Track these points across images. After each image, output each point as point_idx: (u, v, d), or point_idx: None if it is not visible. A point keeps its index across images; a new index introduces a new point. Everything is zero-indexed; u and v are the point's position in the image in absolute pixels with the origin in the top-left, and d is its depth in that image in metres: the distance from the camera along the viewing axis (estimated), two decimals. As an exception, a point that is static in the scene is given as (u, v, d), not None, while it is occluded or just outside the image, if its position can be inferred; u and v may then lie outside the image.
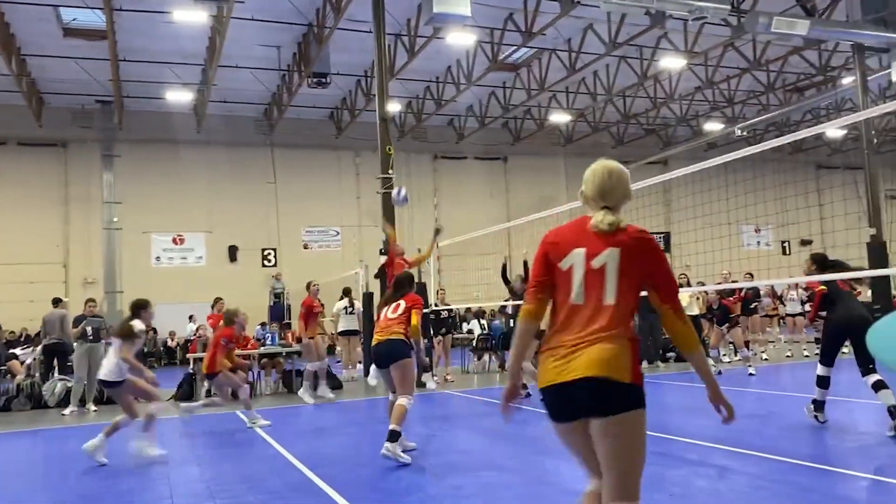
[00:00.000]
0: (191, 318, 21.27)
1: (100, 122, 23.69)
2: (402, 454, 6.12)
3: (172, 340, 22.91)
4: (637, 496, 2.58)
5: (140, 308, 7.27)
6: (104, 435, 6.75)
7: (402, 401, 6.33)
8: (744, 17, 15.88)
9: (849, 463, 5.55)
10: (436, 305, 14.05)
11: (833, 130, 26.98)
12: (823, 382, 7.12)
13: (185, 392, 12.23)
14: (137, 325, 7.07)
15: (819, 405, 7.15)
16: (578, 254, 2.69)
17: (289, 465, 6.34)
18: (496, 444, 7.08)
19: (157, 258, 24.55)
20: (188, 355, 14.04)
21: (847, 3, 16.97)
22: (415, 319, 6.54)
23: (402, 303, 6.69)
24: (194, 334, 16.52)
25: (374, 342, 6.63)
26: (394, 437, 6.13)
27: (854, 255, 18.90)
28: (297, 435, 8.20)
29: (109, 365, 6.89)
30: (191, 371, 12.52)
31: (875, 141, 19.61)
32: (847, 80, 21.19)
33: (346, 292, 14.80)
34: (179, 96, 21.67)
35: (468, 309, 21.61)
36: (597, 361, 2.49)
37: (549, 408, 2.67)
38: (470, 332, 18.94)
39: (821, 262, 7.37)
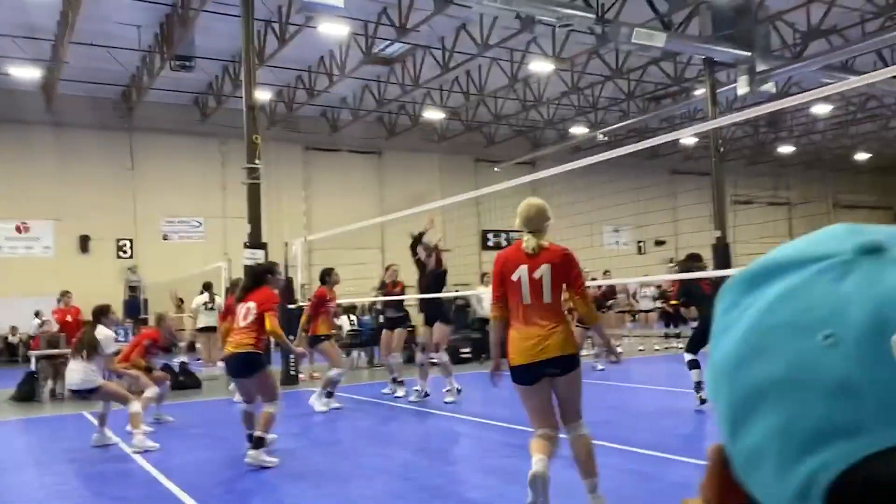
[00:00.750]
0: (37, 313, 19.72)
1: (-70, 96, 21.52)
2: (267, 459, 5.90)
3: (14, 336, 21.20)
4: (581, 414, 4.30)
5: None
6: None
7: (268, 408, 6.06)
8: (608, 26, 16.61)
9: (688, 451, 5.91)
10: (302, 301, 13.72)
11: (686, 138, 28.81)
12: (694, 364, 7.73)
13: (26, 392, 11.33)
14: None
15: (698, 385, 7.77)
16: (523, 269, 4.07)
17: (140, 469, 6.00)
18: (358, 441, 7.02)
19: (-2, 247, 22.63)
20: (30, 352, 13.03)
21: (700, 19, 18.11)
22: (269, 324, 6.01)
23: (252, 305, 6.10)
24: (38, 330, 15.35)
25: (225, 353, 6.46)
26: (259, 443, 5.90)
27: (702, 253, 20.30)
28: (152, 437, 7.77)
29: None
30: (33, 370, 11.62)
31: (722, 150, 21.12)
32: (698, 92, 22.66)
33: (207, 287, 14.25)
34: (26, 73, 20.00)
35: (338, 304, 21.34)
36: (562, 344, 4.05)
37: (521, 376, 4.13)
38: (339, 327, 18.71)
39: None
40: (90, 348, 6.73)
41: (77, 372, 6.75)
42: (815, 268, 0.47)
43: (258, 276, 6.50)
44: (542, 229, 4.17)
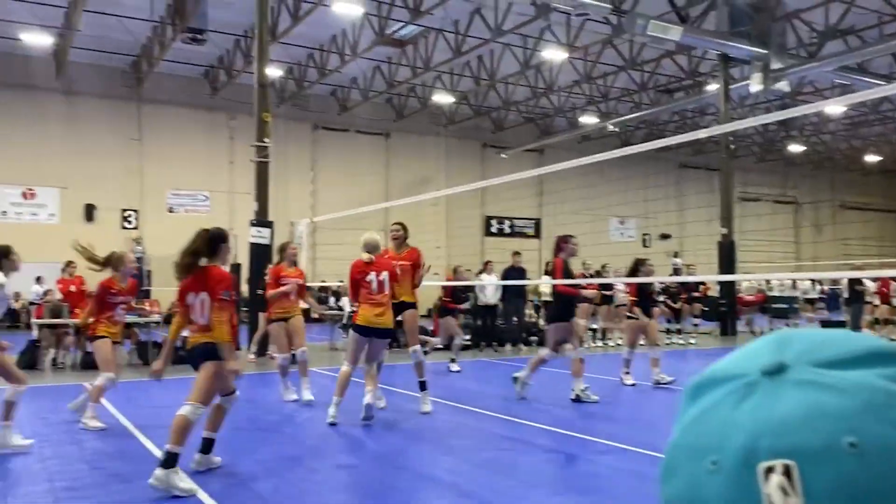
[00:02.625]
0: (38, 279, 19.79)
1: (-59, 59, 21.46)
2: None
3: (17, 302, 21.28)
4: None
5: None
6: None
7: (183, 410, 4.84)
8: (624, 17, 16.48)
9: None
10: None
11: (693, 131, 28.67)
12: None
13: (28, 360, 11.38)
14: None
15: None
16: (372, 273, 6.68)
17: (138, 444, 6.04)
18: (356, 427, 7.05)
19: (4, 212, 22.67)
20: (32, 320, 13.10)
21: (717, 14, 17.96)
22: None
23: (207, 299, 4.87)
24: (41, 298, 15.39)
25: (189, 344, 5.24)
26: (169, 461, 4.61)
27: (706, 250, 20.33)
28: (149, 412, 7.82)
29: None
30: (35, 338, 11.68)
31: (732, 147, 21.02)
32: (712, 87, 22.51)
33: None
34: (37, 39, 19.92)
35: (341, 283, 21.39)
36: (388, 321, 6.83)
37: (362, 331, 6.73)
38: (341, 308, 18.76)
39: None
40: None
41: None
42: (728, 387, 0.49)
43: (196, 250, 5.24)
44: (376, 250, 6.93)
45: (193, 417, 4.72)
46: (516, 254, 14.73)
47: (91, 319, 7.03)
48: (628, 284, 9.88)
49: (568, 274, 8.36)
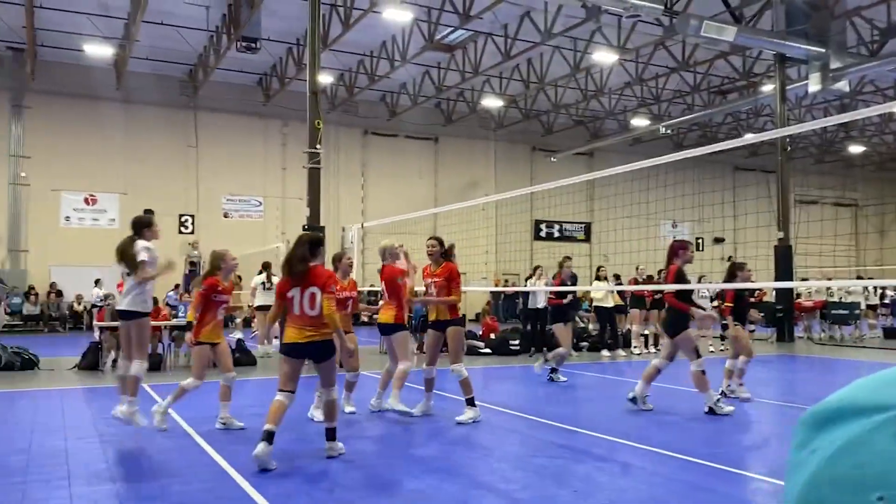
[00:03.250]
0: (97, 282, 20.42)
1: (9, 71, 22.35)
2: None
3: (79, 304, 22.01)
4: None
5: None
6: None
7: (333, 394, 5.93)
8: (676, 18, 16.24)
9: (745, 463, 5.81)
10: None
11: (750, 133, 28.07)
12: None
13: (91, 362, 11.77)
14: None
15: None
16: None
17: (194, 445, 6.18)
18: (401, 435, 7.09)
19: (67, 218, 23.46)
20: (94, 323, 13.53)
21: (773, 13, 17.56)
22: (327, 308, 5.62)
23: (318, 293, 5.62)
24: (102, 301, 15.86)
25: (288, 339, 5.71)
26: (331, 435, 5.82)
27: (762, 255, 19.85)
28: (207, 414, 7.99)
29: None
30: (96, 340, 12.06)
31: (788, 149, 20.50)
32: (767, 88, 22.00)
33: (266, 266, 14.52)
34: (99, 50, 20.60)
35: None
36: (385, 318, 7.40)
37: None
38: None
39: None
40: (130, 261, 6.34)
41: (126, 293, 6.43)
42: (877, 419, 0.48)
43: (303, 256, 5.96)
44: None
45: (333, 396, 5.92)
46: (567, 258, 14.60)
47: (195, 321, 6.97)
48: (725, 291, 9.28)
49: (682, 282, 7.97)
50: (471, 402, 7.28)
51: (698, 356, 7.81)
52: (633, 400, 7.99)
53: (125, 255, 6.37)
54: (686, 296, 8.04)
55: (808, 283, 17.33)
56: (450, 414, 7.74)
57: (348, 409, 7.76)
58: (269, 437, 5.31)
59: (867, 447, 0.47)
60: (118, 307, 6.54)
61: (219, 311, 6.93)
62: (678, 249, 8.10)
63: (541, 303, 14.27)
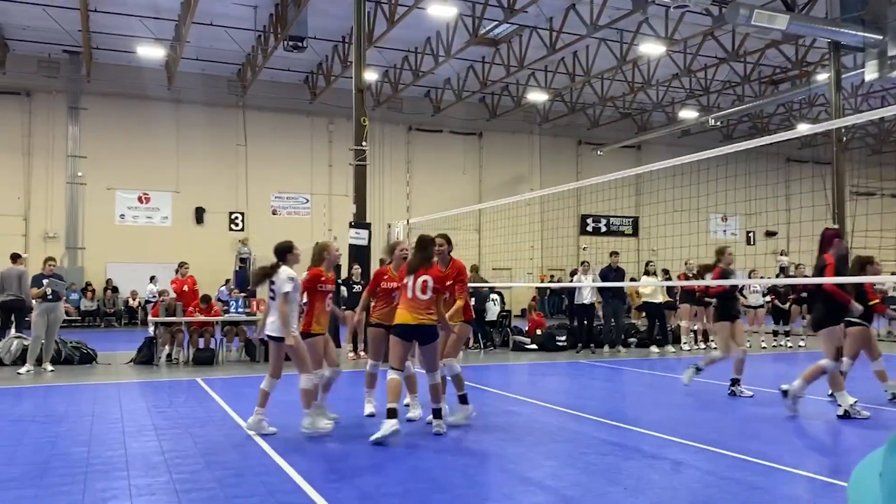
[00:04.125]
0: (152, 278, 20.96)
1: (67, 73, 23.04)
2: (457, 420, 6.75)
3: (134, 300, 22.61)
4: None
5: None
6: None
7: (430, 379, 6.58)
8: (725, 7, 15.90)
9: (799, 462, 5.68)
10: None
11: (804, 124, 27.32)
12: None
13: (146, 356, 12.09)
14: None
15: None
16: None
17: (248, 440, 6.30)
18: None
19: (122, 216, 24.11)
20: (149, 318, 13.86)
21: (827, 0, 17.07)
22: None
23: (429, 280, 6.36)
24: (156, 297, 16.25)
25: (400, 320, 6.38)
26: (438, 413, 6.54)
27: (817, 249, 19.32)
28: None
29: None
30: (151, 335, 12.36)
31: (844, 139, 19.91)
32: (821, 77, 21.39)
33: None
34: (151, 51, 21.11)
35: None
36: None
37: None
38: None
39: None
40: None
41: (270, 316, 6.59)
42: None
43: (423, 246, 6.69)
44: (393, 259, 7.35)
45: (437, 379, 6.57)
46: (614, 254, 14.47)
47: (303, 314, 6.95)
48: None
49: (841, 273, 7.45)
50: (463, 400, 6.97)
51: (840, 355, 7.37)
52: (785, 393, 7.50)
53: (265, 278, 6.62)
54: (850, 289, 7.46)
55: (878, 278, 16.79)
56: (495, 410, 7.74)
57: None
58: (393, 413, 6.07)
59: None
60: (267, 332, 6.62)
61: (326, 301, 6.91)
62: (832, 238, 7.58)
63: (587, 298, 14.16)
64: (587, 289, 14.00)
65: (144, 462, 5.49)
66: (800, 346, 15.34)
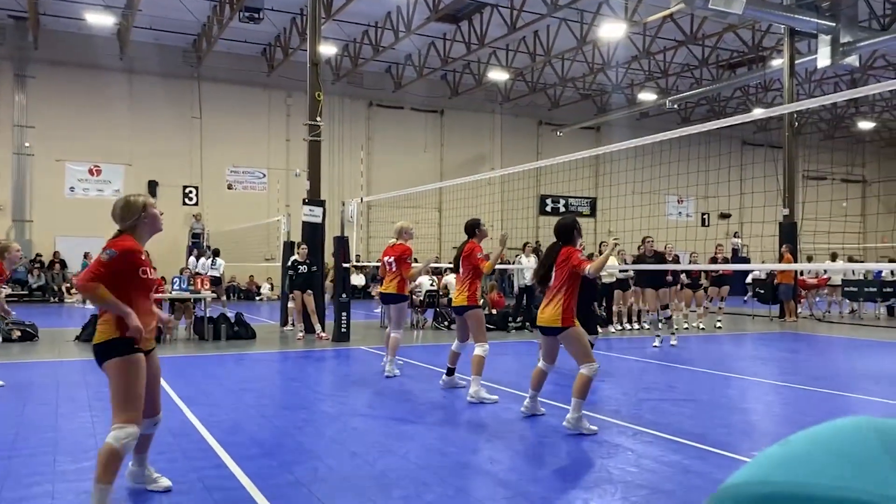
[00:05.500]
0: (86, 255, 20.50)
1: (12, 40, 22.25)
2: (485, 395, 7.00)
3: (84, 275, 22.08)
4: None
5: None
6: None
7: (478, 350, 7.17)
8: (684, -10, 15.92)
9: (733, 445, 5.78)
10: (357, 259, 13.84)
11: (759, 108, 27.70)
12: None
13: (90, 333, 11.81)
14: None
15: None
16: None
17: (185, 422, 6.20)
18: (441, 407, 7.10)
19: (72, 188, 23.50)
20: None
21: (783, -15, 17.23)
22: (487, 268, 7.44)
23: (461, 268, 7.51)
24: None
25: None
26: (476, 382, 7.02)
27: (768, 233, 19.72)
28: (199, 388, 8.02)
29: None
30: (95, 312, 12.07)
31: (796, 124, 20.24)
32: (777, 62, 21.68)
33: (295, 246, 14.39)
34: (101, 18, 20.46)
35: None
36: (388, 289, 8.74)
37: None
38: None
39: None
40: None
41: None
42: None
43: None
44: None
45: (485, 353, 7.18)
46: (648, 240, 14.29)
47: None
48: None
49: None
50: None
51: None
52: None
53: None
54: None
55: (810, 266, 17.21)
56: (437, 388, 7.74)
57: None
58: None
59: None
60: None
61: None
62: None
63: (529, 280, 14.28)
64: (528, 271, 14.11)
65: (74, 446, 5.37)
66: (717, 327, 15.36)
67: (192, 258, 17.60)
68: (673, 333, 12.20)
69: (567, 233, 6.10)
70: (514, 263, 15.06)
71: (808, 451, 0.39)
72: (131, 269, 3.94)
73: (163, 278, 13.20)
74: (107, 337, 3.90)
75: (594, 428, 5.83)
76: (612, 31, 20.40)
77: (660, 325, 13.15)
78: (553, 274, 5.96)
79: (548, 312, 5.93)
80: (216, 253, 17.98)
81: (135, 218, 4.09)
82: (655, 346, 11.80)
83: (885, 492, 0.36)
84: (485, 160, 28.47)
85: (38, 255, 22.17)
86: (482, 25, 21.51)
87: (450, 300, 11.16)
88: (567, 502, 4.38)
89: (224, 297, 17.94)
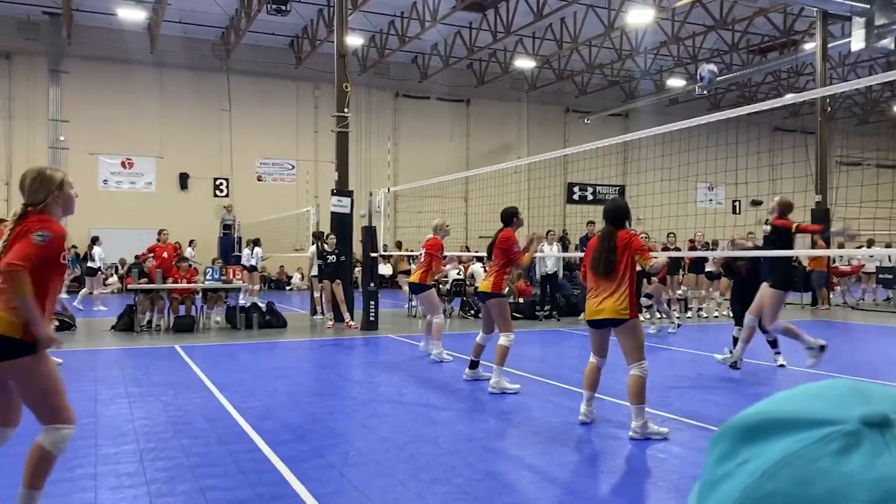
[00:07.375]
0: (94, 240, 20.65)
1: (47, 35, 22.65)
2: (507, 385, 7.02)
3: (123, 268, 22.49)
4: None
5: None
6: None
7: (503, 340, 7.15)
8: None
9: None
10: (384, 249, 13.96)
11: (790, 93, 27.25)
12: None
13: (126, 323, 12.08)
14: None
15: None
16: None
17: (220, 407, 6.35)
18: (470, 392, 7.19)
19: (105, 181, 23.91)
20: (128, 286, 13.82)
21: (815, -33, 16.93)
22: (525, 261, 7.66)
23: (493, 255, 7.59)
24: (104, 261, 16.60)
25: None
26: (498, 373, 7.02)
27: (799, 219, 19.44)
28: (233, 376, 8.18)
29: None
30: (132, 303, 12.33)
31: (829, 109, 19.89)
32: (809, 46, 21.30)
33: (318, 237, 14.58)
34: (131, 14, 20.76)
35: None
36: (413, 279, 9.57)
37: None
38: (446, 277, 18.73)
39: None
40: None
41: None
42: (818, 433, 0.46)
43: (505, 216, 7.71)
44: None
45: (510, 343, 7.10)
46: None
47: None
48: None
49: None
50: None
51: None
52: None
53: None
54: None
55: (844, 252, 16.93)
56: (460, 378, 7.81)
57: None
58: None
59: (808, 464, 0.45)
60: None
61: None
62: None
63: (550, 268, 14.29)
64: (551, 259, 14.12)
65: (113, 430, 5.53)
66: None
67: (245, 250, 18.11)
68: (673, 322, 12.50)
69: (622, 216, 5.68)
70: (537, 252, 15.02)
71: (796, 394, 0.51)
72: (56, 255, 3.41)
73: (195, 269, 13.39)
74: (12, 334, 3.26)
75: (665, 430, 5.39)
76: (640, 16, 20.19)
77: (671, 310, 13.05)
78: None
79: (609, 304, 5.42)
80: (256, 243, 18.20)
81: (47, 194, 3.45)
82: (671, 332, 12.00)
83: (843, 413, 0.47)
84: (511, 149, 28.40)
85: (73, 246, 22.61)
86: (508, 13, 21.42)
87: (476, 289, 11.24)
88: (594, 486, 4.43)
89: (257, 287, 18.15)
